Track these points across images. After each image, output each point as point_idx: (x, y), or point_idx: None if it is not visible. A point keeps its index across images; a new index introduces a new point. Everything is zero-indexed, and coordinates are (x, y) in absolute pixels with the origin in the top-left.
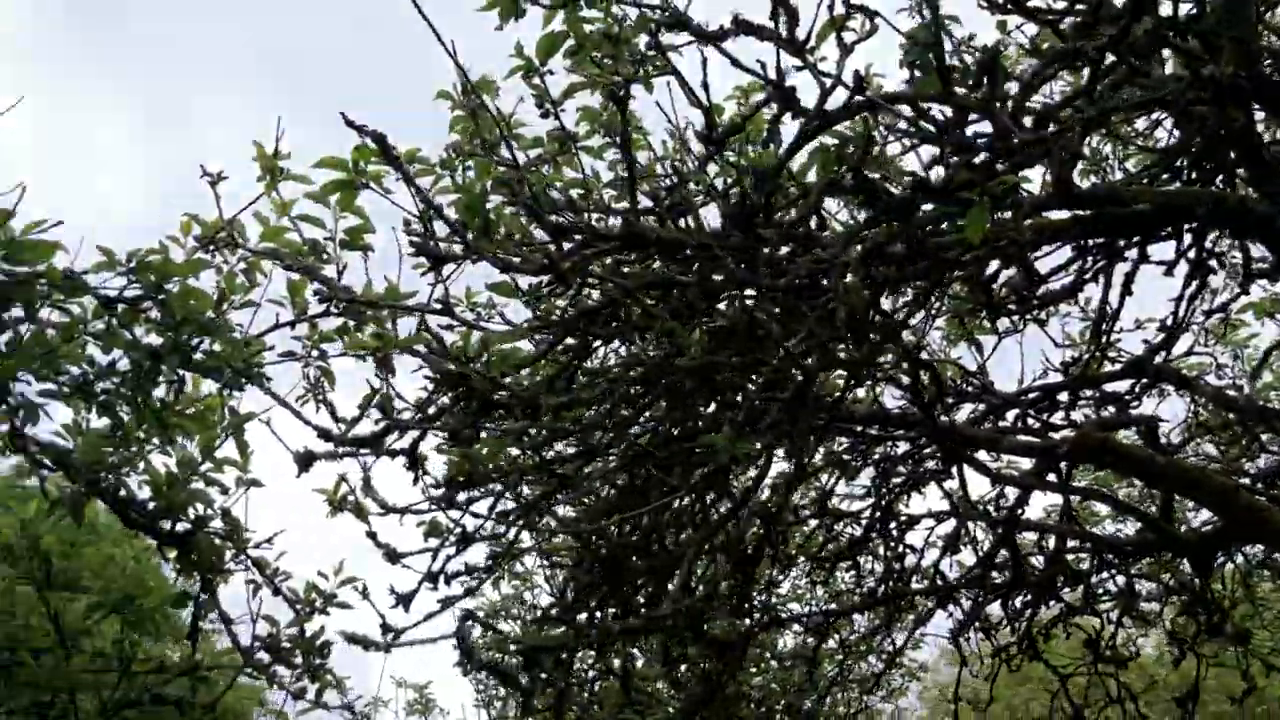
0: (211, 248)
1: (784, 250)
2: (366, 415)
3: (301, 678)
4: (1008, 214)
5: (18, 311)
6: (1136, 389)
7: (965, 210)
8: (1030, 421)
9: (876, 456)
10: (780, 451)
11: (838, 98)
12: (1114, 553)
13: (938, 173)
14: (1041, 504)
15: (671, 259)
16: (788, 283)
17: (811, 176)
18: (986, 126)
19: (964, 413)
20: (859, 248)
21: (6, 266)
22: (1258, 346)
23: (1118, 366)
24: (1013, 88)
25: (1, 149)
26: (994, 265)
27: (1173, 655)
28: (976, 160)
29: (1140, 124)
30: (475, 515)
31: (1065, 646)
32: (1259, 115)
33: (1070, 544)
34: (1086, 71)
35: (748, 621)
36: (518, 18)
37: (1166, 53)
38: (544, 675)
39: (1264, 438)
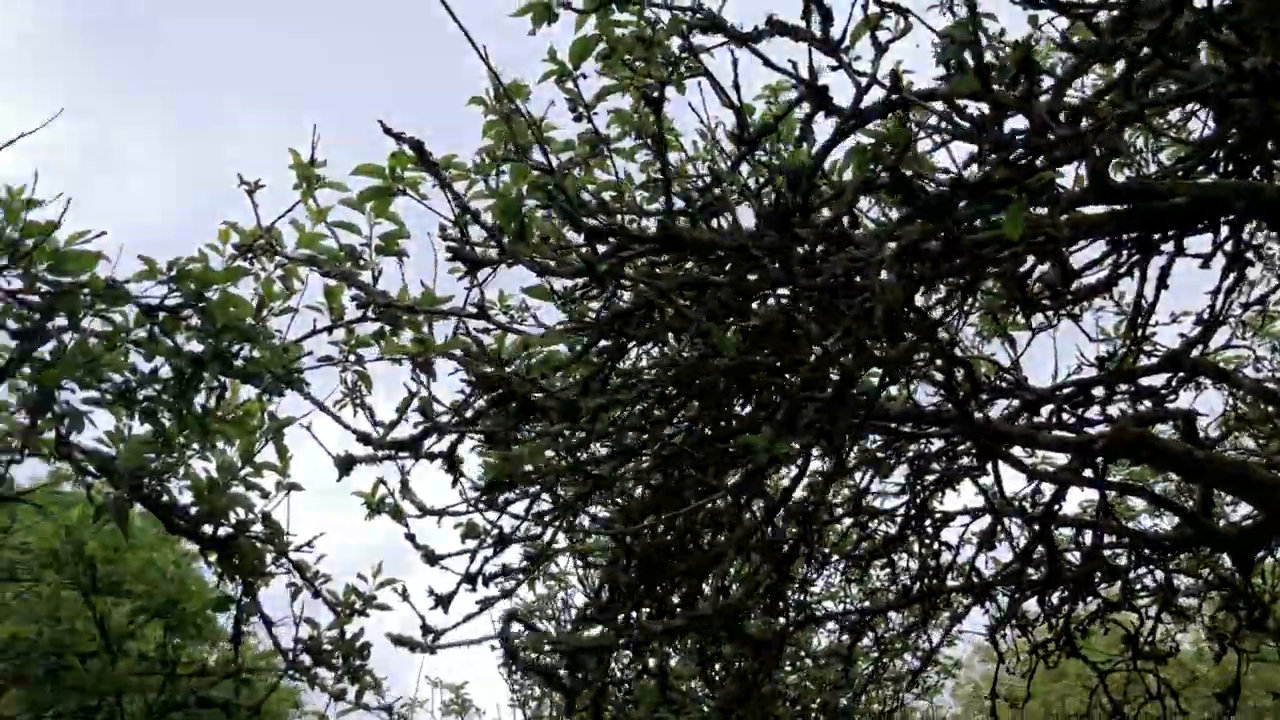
0: (250, 255)
1: (819, 249)
2: (405, 419)
3: (342, 679)
4: (1043, 210)
5: (62, 321)
6: (1173, 383)
7: (1002, 207)
8: (1065, 417)
9: (911, 454)
10: (816, 450)
11: (873, 96)
12: (1152, 548)
13: (973, 170)
14: (1078, 500)
15: (705, 259)
16: (824, 281)
17: (847, 175)
18: (1022, 122)
19: (998, 409)
20: (894, 245)
21: (51, 277)
22: None
23: (1154, 360)
24: (1046, 82)
25: (36, 158)
26: (1029, 261)
27: (1213, 651)
28: (1013, 157)
29: (1173, 116)
30: (513, 516)
31: (1103, 643)
32: None
33: (1107, 539)
34: (1120, 65)
35: (783, 620)
36: (550, 22)
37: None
38: (586, 675)
39: None
